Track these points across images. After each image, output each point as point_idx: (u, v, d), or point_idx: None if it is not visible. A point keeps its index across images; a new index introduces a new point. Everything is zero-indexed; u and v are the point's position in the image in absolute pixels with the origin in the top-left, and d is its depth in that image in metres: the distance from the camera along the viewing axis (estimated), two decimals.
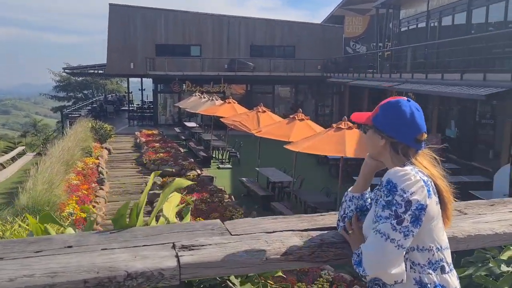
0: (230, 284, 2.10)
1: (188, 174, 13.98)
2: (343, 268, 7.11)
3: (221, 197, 11.23)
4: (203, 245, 1.62)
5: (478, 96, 10.17)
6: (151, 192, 12.13)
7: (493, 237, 1.87)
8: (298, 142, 9.57)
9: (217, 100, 19.12)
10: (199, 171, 14.53)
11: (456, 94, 11.27)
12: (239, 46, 29.21)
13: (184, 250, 1.58)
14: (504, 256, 2.86)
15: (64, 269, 1.43)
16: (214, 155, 18.29)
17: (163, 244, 1.65)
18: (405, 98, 1.70)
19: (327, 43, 29.48)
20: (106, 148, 18.83)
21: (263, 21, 29.62)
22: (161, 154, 16.44)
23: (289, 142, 10.24)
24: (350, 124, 9.13)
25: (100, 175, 13.79)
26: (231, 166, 17.03)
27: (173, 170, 14.61)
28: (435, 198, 1.53)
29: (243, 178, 13.57)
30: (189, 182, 2.22)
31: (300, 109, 12.04)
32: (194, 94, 23.59)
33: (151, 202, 11.78)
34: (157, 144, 18.59)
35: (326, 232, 1.81)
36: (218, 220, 1.90)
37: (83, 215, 9.63)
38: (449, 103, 15.50)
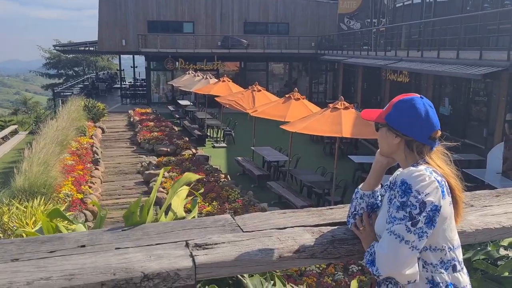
0: (240, 276, 2.12)
1: (183, 153, 13.99)
2: None
3: (217, 177, 11.27)
4: (216, 244, 1.63)
5: (475, 76, 10.18)
6: (147, 172, 12.15)
7: (500, 230, 1.90)
8: (295, 122, 9.56)
9: (211, 78, 18.97)
10: (194, 150, 14.53)
11: (453, 73, 11.25)
12: (232, 23, 28.82)
13: (198, 249, 1.59)
14: (505, 242, 2.90)
15: (81, 271, 1.43)
16: (209, 134, 18.26)
17: (175, 242, 1.66)
18: (418, 95, 1.69)
19: (321, 19, 29.17)
20: (99, 127, 18.72)
21: None
22: (156, 133, 16.39)
23: (285, 122, 10.24)
24: (347, 104, 9.13)
25: (95, 155, 13.75)
26: (226, 145, 17.04)
27: (168, 149, 14.60)
28: (448, 199, 1.55)
29: (238, 157, 13.60)
30: (198, 176, 2.21)
31: (296, 88, 11.98)
32: (187, 72, 23.39)
33: (147, 182, 11.82)
34: (151, 123, 18.50)
35: (336, 227, 1.82)
36: (228, 216, 1.91)
37: (80, 196, 9.64)
38: (443, 81, 15.49)
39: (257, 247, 1.61)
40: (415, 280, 1.50)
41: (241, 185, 11.18)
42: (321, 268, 6.42)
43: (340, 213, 1.96)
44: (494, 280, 2.85)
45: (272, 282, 2.29)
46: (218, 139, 17.86)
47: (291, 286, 2.38)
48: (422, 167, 1.55)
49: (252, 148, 13.63)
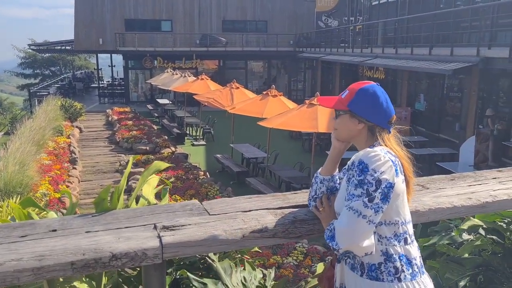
0: (209, 260, 2.20)
1: (162, 151, 13.97)
2: (317, 241, 7.36)
3: (196, 174, 11.31)
4: (183, 225, 1.71)
5: (446, 71, 10.46)
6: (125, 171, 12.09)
7: (452, 210, 2.03)
8: (272, 118, 9.67)
9: (189, 76, 18.95)
10: (173, 149, 14.53)
11: (425, 69, 11.53)
12: (211, 21, 28.79)
13: (165, 231, 1.67)
14: (465, 226, 3.05)
15: (51, 252, 1.50)
16: (188, 132, 18.25)
17: (144, 225, 1.74)
18: (374, 83, 1.80)
19: (299, 17, 29.38)
20: (77, 126, 18.53)
21: None
22: (134, 131, 16.31)
23: (262, 119, 10.35)
24: None
25: (73, 154, 13.63)
26: (205, 143, 17.06)
27: (147, 148, 14.57)
28: (401, 177, 1.66)
29: (217, 155, 13.65)
30: (167, 165, 2.29)
31: (273, 85, 12.10)
32: (166, 71, 23.29)
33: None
34: (130, 121, 18.40)
35: (298, 209, 1.92)
36: (196, 201, 1.99)
37: (57, 195, 9.57)
38: (418, 77, 15.82)
39: (221, 228, 1.70)
40: (371, 252, 1.61)
41: (220, 182, 11.24)
42: (298, 260, 6.55)
43: (303, 196, 2.06)
44: (455, 261, 3.00)
45: (242, 267, 2.38)
46: (197, 137, 17.86)
47: (260, 270, 2.47)
48: (377, 148, 1.67)
49: (231, 145, 13.70)
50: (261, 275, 2.40)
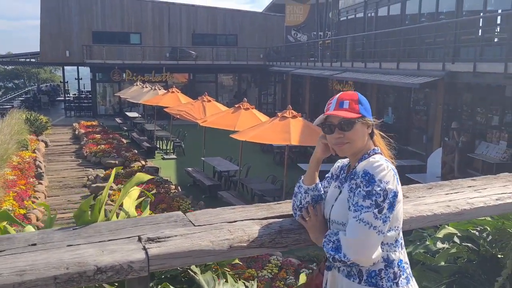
0: (192, 273, 2.16)
1: (132, 165, 13.74)
2: (292, 253, 7.36)
3: (167, 188, 11.16)
4: (168, 237, 1.68)
5: (413, 85, 10.78)
6: (94, 185, 11.83)
7: (432, 217, 2.07)
8: (244, 131, 9.68)
9: (159, 89, 18.81)
10: (143, 162, 14.31)
11: (393, 82, 11.85)
12: (180, 34, 28.75)
13: (150, 243, 1.63)
14: (440, 234, 3.12)
15: (32, 267, 1.44)
16: (158, 146, 18.04)
17: (128, 238, 1.69)
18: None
19: (269, 31, 29.72)
20: (42, 140, 18.02)
21: (204, 9, 29.32)
22: (103, 145, 15.99)
23: (235, 131, 10.34)
24: (295, 113, 9.37)
25: (38, 169, 13.22)
26: (176, 157, 16.89)
27: (116, 162, 14.29)
28: (400, 184, 1.71)
29: (188, 168, 13.53)
30: (150, 176, 2.25)
31: (245, 98, 12.14)
32: (135, 84, 23.04)
33: (95, 196, 11.49)
34: (98, 135, 18.04)
35: (283, 219, 1.92)
36: (180, 212, 1.96)
37: (22, 211, 9.24)
38: (386, 90, 16.21)
39: (208, 239, 1.68)
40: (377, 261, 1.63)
41: (192, 195, 11.13)
42: (273, 273, 6.52)
43: (287, 207, 2.06)
44: (432, 269, 3.05)
45: (224, 279, 2.35)
46: (167, 150, 17.68)
47: (242, 282, 2.45)
48: (377, 156, 1.71)
49: (203, 158, 13.62)
50: None
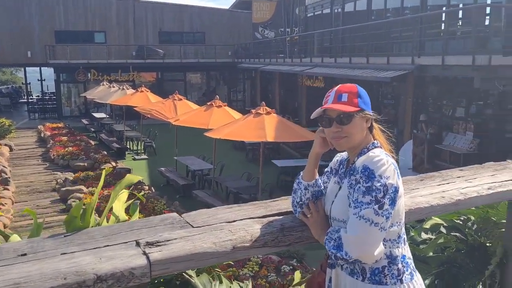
0: (187, 276, 2.09)
1: (103, 167, 13.39)
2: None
3: (140, 189, 10.94)
4: (168, 240, 1.60)
5: (384, 79, 10.95)
6: (63, 189, 11.48)
7: (429, 209, 2.07)
8: (218, 129, 9.59)
9: (128, 89, 18.43)
10: (114, 164, 13.98)
11: (364, 77, 12.00)
12: (147, 32, 28.27)
13: (150, 247, 1.55)
14: (427, 225, 3.14)
15: (27, 279, 1.34)
16: (128, 146, 17.68)
17: (125, 243, 1.61)
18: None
19: (236, 28, 29.61)
20: (6, 144, 17.35)
21: (171, 6, 28.91)
22: (70, 148, 15.52)
23: (208, 130, 10.23)
24: (268, 109, 9.34)
25: (3, 174, 12.71)
26: (147, 157, 16.61)
27: (85, 164, 13.91)
28: (401, 179, 1.67)
29: (161, 168, 13.32)
30: (139, 178, 2.15)
31: (217, 96, 12.04)
32: (101, 84, 22.51)
33: (64, 199, 11.14)
34: (65, 137, 17.51)
35: (283, 217, 1.87)
36: (175, 214, 1.89)
37: None
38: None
39: (210, 240, 1.61)
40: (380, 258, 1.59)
41: (166, 196, 10.95)
42: (254, 271, 6.48)
43: (285, 203, 2.01)
44: (420, 260, 3.07)
45: (218, 281, 2.29)
46: (138, 151, 17.35)
47: (237, 283, 2.39)
48: (377, 150, 1.67)
49: (175, 158, 13.43)
50: None
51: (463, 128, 11.82)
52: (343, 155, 1.88)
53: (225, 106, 11.35)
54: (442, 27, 12.60)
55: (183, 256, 1.52)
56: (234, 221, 1.81)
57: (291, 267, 6.74)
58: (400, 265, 1.64)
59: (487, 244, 2.77)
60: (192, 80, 30.22)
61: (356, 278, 1.65)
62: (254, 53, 26.36)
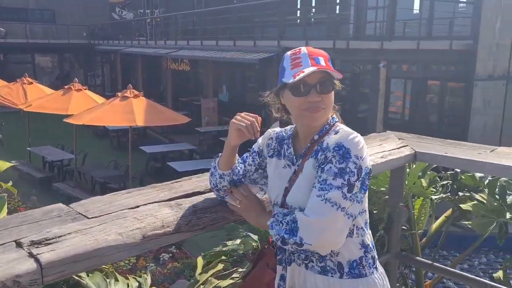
0: (76, 278, 1.77)
1: None
2: None
3: None
4: (60, 236, 1.30)
5: (252, 60, 11.13)
6: None
7: None
8: (80, 114, 8.79)
9: None
10: None
11: (233, 59, 12.06)
12: None
13: (38, 247, 1.24)
14: None
15: None
16: None
17: (2, 244, 1.26)
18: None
19: (91, 8, 27.51)
20: None
21: None
22: None
23: (68, 115, 9.31)
24: (136, 92, 8.85)
25: None
26: None
27: None
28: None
29: (12, 161, 11.80)
30: (10, 164, 1.74)
31: (76, 79, 11.03)
32: None
33: None
34: None
35: (192, 198, 1.68)
36: (61, 204, 1.56)
37: None
38: (221, 68, 16.47)
39: (114, 231, 1.35)
40: (334, 250, 1.40)
41: (20, 191, 9.73)
42: (131, 263, 6.11)
43: (189, 184, 1.81)
44: None
45: (113, 279, 2.01)
46: None
47: (133, 277, 2.12)
48: (344, 126, 1.46)
49: (29, 148, 12.03)
50: (137, 284, 2.06)
51: None
52: (277, 132, 1.62)
53: (85, 89, 10.46)
54: (298, 14, 13.30)
55: (84, 253, 1.24)
56: (138, 206, 1.56)
57: (170, 255, 6.52)
58: (373, 252, 1.50)
59: (374, 212, 2.91)
60: (42, 63, 27.42)
61: (331, 276, 1.45)
62: (113, 34, 24.84)
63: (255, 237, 3.64)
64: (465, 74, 9.71)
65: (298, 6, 14.04)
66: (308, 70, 1.38)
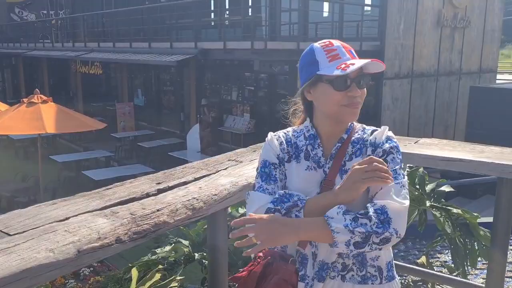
0: None
1: None
2: None
3: None
4: None
5: (170, 63, 10.86)
6: None
7: None
8: None
9: None
10: None
11: (150, 61, 11.69)
12: None
13: None
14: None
15: None
16: None
17: None
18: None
19: None
20: None
21: None
22: None
23: None
24: (44, 98, 8.23)
25: None
26: None
27: None
28: None
29: None
30: None
31: None
32: None
33: None
34: None
35: (129, 205, 1.55)
36: None
37: None
38: (136, 72, 15.91)
39: (44, 247, 1.19)
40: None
41: None
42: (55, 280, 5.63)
43: (123, 190, 1.68)
44: None
45: None
46: None
47: None
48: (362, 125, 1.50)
49: None
50: None
51: (241, 110, 12.72)
52: (280, 135, 1.48)
53: None
54: (212, 16, 13.28)
55: (10, 275, 1.07)
56: (68, 218, 1.40)
57: (91, 269, 6.11)
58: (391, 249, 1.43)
59: None
60: None
61: (372, 283, 1.34)
62: (13, 37, 23.02)
63: (186, 242, 3.51)
64: (375, 74, 10.28)
65: (212, 8, 13.99)
66: (360, 62, 1.30)
